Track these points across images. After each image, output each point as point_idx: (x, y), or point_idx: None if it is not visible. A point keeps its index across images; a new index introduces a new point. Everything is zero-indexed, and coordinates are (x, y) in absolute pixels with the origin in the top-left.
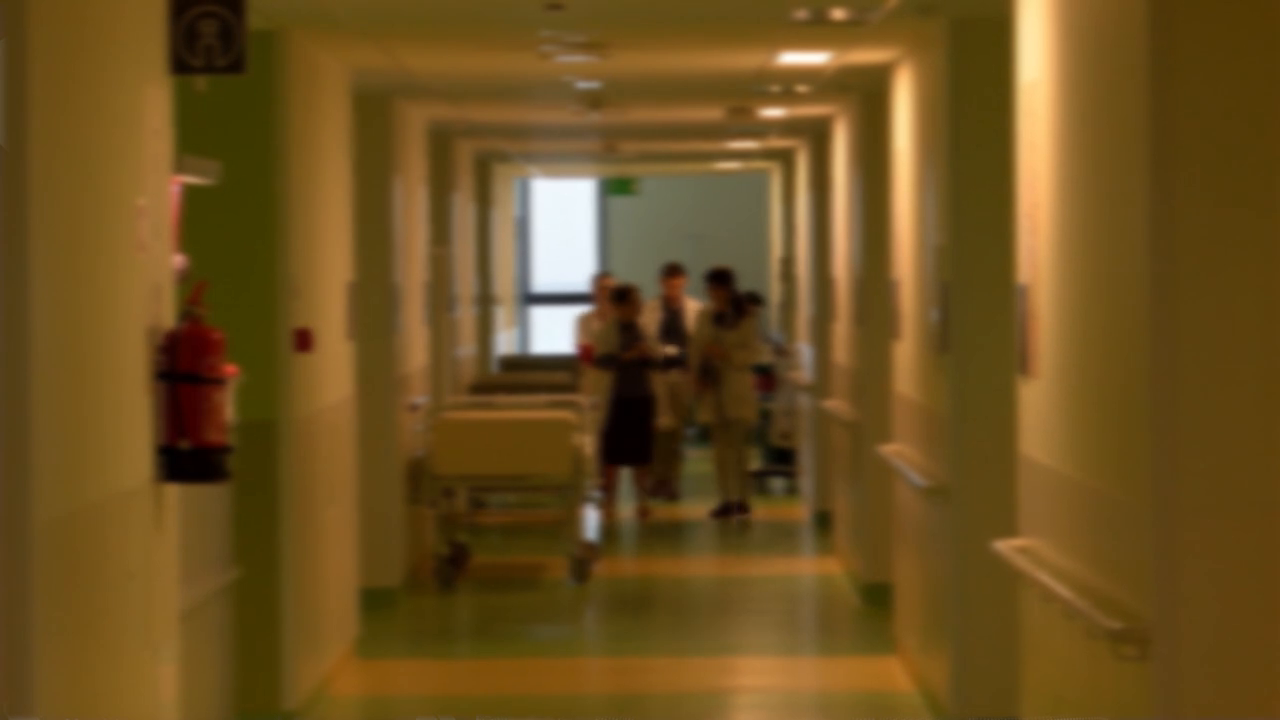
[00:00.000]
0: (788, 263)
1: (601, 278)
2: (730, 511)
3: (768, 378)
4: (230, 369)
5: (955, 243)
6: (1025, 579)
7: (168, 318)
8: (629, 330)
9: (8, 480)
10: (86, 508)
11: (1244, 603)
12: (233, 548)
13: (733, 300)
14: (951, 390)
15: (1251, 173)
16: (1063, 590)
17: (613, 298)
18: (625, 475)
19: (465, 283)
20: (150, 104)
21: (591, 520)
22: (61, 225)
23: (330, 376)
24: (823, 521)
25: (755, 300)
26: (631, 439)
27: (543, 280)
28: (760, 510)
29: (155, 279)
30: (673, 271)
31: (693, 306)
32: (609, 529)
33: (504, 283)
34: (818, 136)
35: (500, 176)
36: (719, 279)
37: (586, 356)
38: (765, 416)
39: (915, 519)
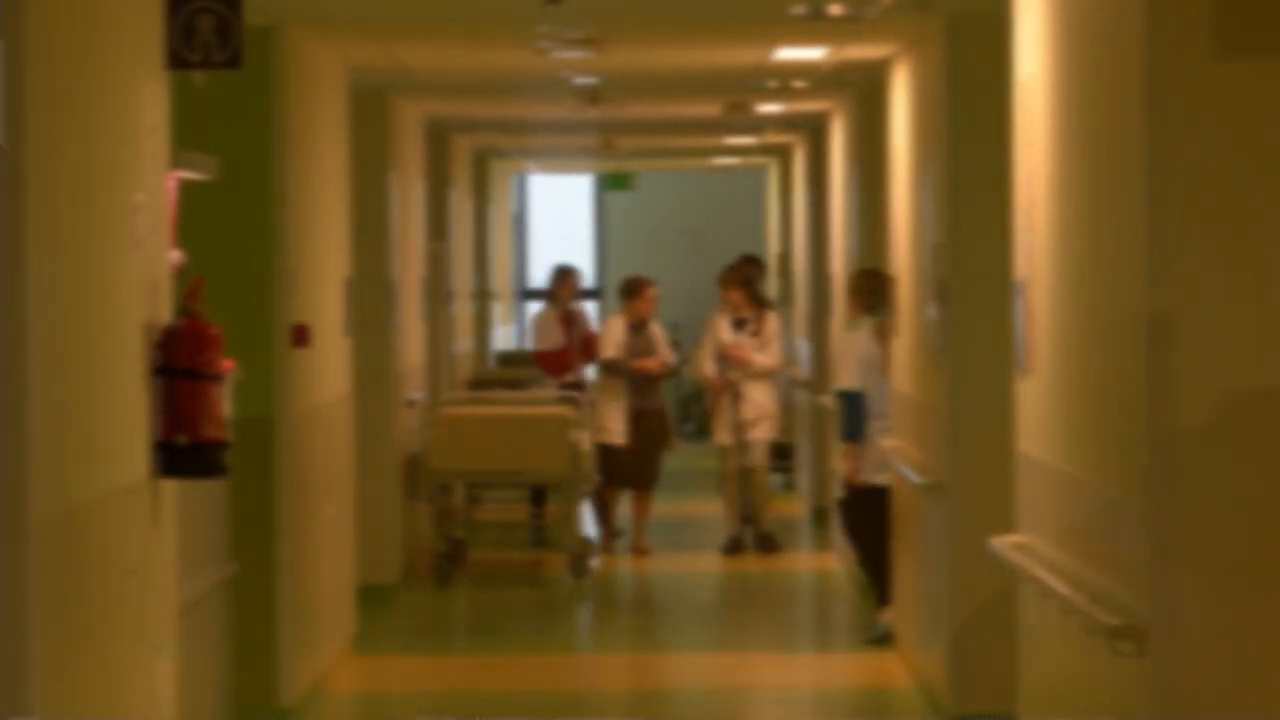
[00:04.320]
0: (785, 259)
1: (564, 273)
2: (741, 547)
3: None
4: (227, 365)
5: (953, 239)
6: (1022, 575)
7: (165, 313)
8: (639, 330)
9: (5, 477)
10: (83, 504)
11: (1241, 599)
12: (230, 544)
13: (754, 300)
14: (949, 386)
15: (1248, 169)
16: (1060, 586)
17: (621, 292)
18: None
19: (462, 278)
20: (147, 100)
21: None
22: (58, 221)
23: (327, 372)
24: (820, 517)
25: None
26: (638, 458)
27: (540, 276)
28: None
29: (152, 275)
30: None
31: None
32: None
33: (501, 278)
34: (815, 132)
35: (497, 172)
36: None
37: (547, 363)
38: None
39: (913, 515)
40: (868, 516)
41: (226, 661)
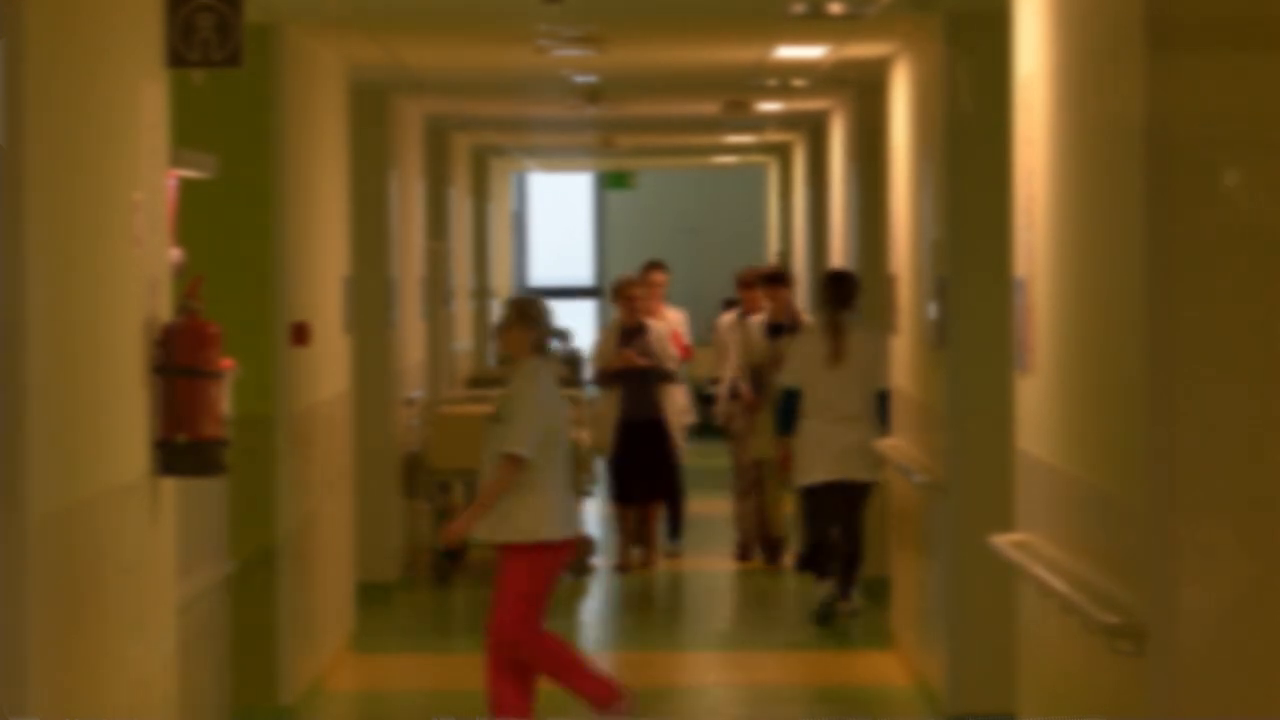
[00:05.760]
0: (784, 257)
1: (651, 269)
2: (750, 554)
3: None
4: (227, 363)
5: (952, 237)
6: (1022, 574)
7: (164, 312)
8: (634, 337)
9: (4, 475)
10: (83, 502)
11: (1239, 598)
12: (229, 542)
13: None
14: (949, 385)
15: (1247, 166)
16: (1059, 585)
17: (615, 294)
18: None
19: (462, 276)
20: (146, 98)
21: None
22: (58, 219)
23: (326, 370)
24: None
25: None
26: (643, 472)
27: (540, 274)
28: None
29: (151, 273)
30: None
31: (674, 317)
32: (629, 580)
33: (501, 276)
34: (815, 130)
35: (497, 170)
36: (776, 280)
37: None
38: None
39: (913, 514)
40: (810, 512)
41: (226, 659)
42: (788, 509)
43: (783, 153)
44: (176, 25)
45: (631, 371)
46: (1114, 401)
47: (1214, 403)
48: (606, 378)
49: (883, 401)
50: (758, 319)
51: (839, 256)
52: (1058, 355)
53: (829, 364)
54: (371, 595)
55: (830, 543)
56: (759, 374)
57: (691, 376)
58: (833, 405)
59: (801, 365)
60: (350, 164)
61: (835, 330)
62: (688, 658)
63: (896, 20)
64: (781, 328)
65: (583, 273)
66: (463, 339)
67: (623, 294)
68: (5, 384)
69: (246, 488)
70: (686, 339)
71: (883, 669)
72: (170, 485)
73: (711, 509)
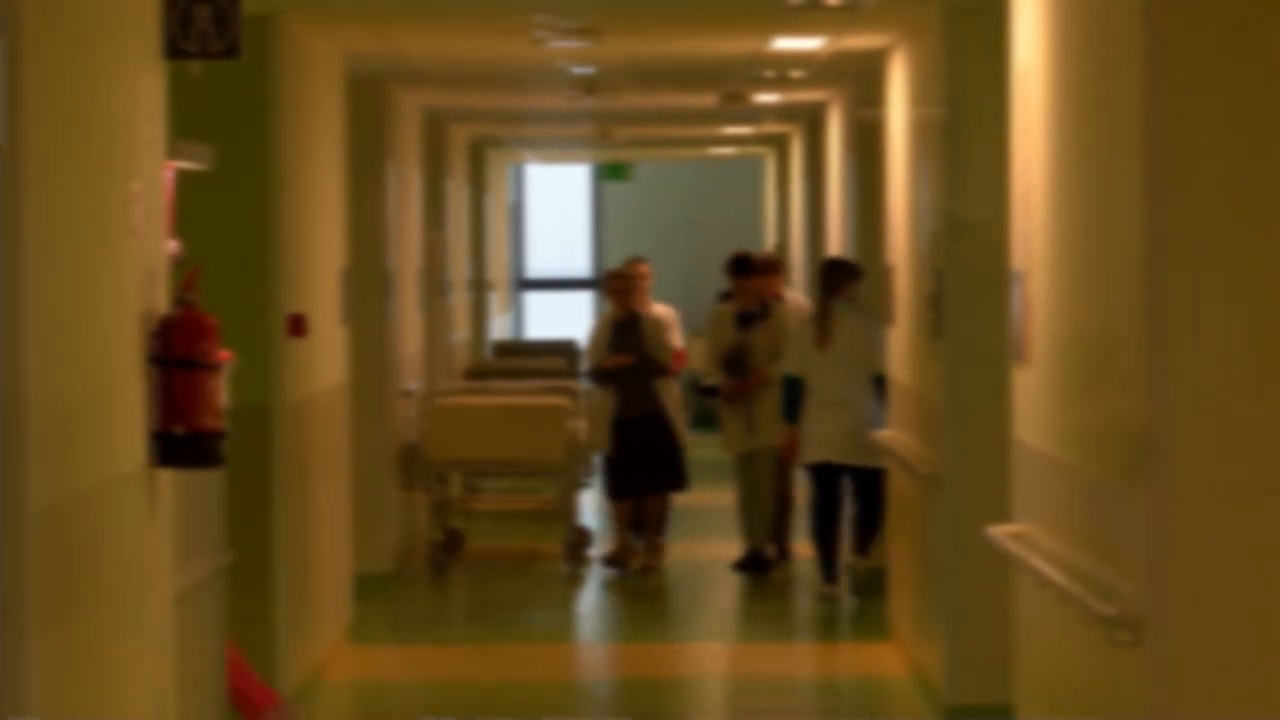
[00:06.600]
0: (782, 248)
1: (633, 263)
2: (759, 563)
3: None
4: (224, 354)
5: (950, 228)
6: (1019, 565)
7: (161, 303)
8: (628, 329)
9: (2, 467)
10: (80, 494)
11: (1237, 588)
12: (226, 533)
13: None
14: (946, 376)
15: (1245, 158)
16: (1056, 576)
17: (605, 287)
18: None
19: (459, 268)
20: (144, 89)
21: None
22: (55, 210)
23: (324, 362)
24: None
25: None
26: (643, 466)
27: (537, 266)
28: None
29: (149, 264)
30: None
31: (660, 312)
32: (625, 578)
33: (498, 268)
34: (812, 122)
35: (494, 162)
36: (742, 267)
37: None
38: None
39: (910, 505)
40: (815, 494)
41: (223, 650)
42: (798, 498)
43: (780, 144)
44: (175, 17)
45: (626, 369)
46: (1111, 392)
47: (1210, 393)
48: (601, 375)
49: (879, 387)
50: (726, 308)
51: (836, 247)
52: (1055, 346)
53: (816, 349)
54: (369, 586)
55: (834, 532)
56: (731, 363)
57: (688, 369)
58: (822, 390)
59: (797, 352)
60: (347, 155)
61: (823, 316)
62: (685, 648)
63: (894, 11)
64: (751, 316)
65: (580, 265)
66: (460, 330)
67: (612, 286)
68: (3, 376)
69: (244, 479)
70: (679, 340)
71: (880, 660)
72: (167, 477)
73: (709, 500)
